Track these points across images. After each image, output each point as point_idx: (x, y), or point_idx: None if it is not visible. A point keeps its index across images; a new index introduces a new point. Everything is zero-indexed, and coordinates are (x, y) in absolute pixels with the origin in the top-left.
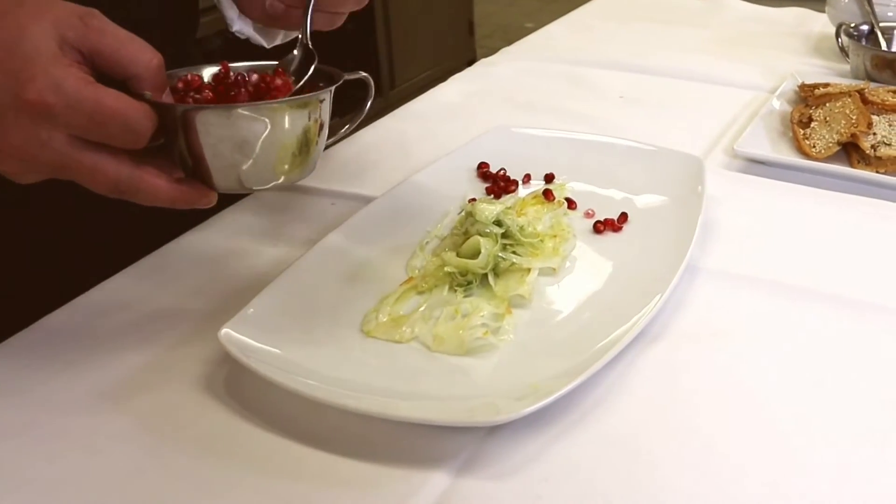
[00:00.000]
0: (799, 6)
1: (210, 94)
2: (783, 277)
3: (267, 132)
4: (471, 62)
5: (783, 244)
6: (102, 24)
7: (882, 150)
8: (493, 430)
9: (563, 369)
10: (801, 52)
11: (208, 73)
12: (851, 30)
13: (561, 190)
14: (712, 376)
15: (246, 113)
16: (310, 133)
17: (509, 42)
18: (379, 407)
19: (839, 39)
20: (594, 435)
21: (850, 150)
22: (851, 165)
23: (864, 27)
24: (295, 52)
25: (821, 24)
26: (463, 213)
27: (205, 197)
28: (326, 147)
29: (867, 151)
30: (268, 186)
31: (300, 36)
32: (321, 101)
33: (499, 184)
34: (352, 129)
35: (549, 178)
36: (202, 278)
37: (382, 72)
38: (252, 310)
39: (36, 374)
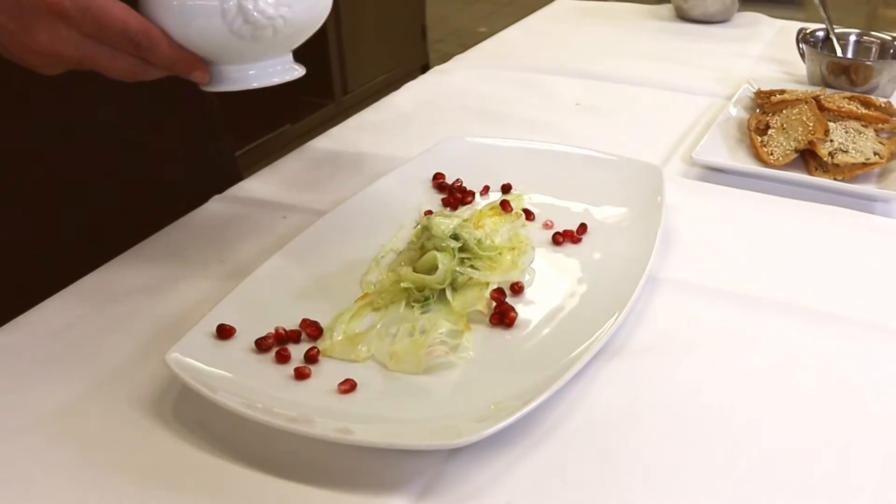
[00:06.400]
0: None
1: None
2: (743, 287)
3: None
4: (424, 67)
5: (742, 253)
6: None
7: (839, 157)
8: (454, 453)
9: (525, 387)
10: (757, 56)
11: None
12: (808, 35)
13: (518, 201)
14: (674, 390)
15: None
16: None
17: (463, 47)
18: (334, 432)
19: (799, 45)
20: (557, 454)
21: (807, 157)
22: (809, 172)
23: (821, 33)
24: None
25: (776, 28)
26: (419, 227)
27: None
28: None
29: (825, 158)
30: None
31: None
32: None
33: (455, 195)
34: None
35: (506, 189)
36: (146, 298)
37: (335, 76)
38: (200, 331)
39: None
